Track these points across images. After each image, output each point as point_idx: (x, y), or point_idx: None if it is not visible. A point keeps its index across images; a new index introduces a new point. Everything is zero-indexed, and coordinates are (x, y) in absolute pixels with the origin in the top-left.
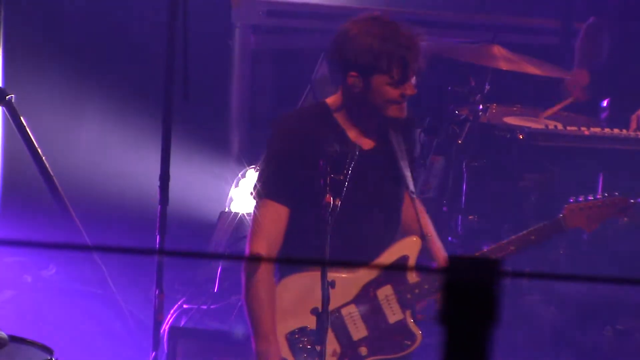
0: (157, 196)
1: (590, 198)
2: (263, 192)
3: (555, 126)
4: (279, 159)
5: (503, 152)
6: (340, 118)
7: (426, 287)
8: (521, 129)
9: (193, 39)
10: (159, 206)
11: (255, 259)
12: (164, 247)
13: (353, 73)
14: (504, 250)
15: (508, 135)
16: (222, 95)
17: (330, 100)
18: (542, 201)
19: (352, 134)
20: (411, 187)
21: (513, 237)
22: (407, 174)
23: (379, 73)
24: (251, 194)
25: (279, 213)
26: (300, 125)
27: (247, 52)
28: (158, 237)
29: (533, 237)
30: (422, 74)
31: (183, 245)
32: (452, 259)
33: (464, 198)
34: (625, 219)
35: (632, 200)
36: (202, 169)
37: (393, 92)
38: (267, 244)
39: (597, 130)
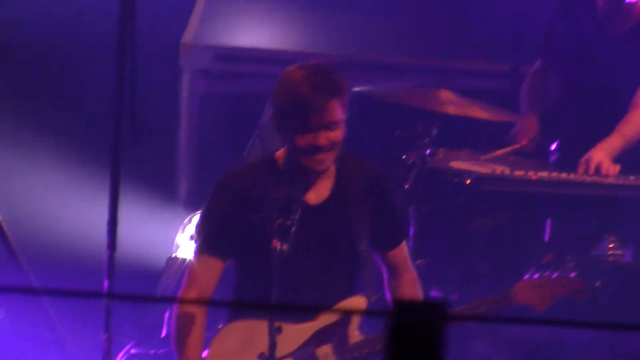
0: (105, 241)
1: (545, 275)
2: (199, 245)
3: (503, 170)
4: (218, 215)
5: (451, 197)
6: (287, 171)
7: (366, 351)
8: (469, 173)
9: (141, 83)
10: (107, 251)
11: (186, 304)
12: (112, 291)
13: (275, 122)
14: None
15: (456, 180)
16: (171, 140)
17: (280, 152)
18: (491, 246)
19: (300, 187)
20: (363, 245)
21: (462, 307)
22: (364, 228)
23: (287, 121)
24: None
25: (213, 267)
26: (243, 184)
27: (195, 96)
28: (106, 281)
29: (482, 309)
30: (347, 121)
31: (131, 289)
32: (398, 303)
33: (412, 242)
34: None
35: (591, 283)
36: (150, 214)
37: (301, 141)
38: (197, 294)
39: (545, 174)
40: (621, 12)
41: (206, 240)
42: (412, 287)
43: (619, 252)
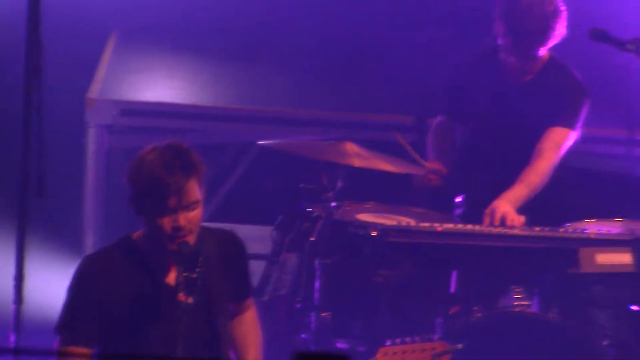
0: (12, 295)
1: (407, 340)
2: (65, 338)
3: (409, 222)
4: (81, 306)
5: (356, 249)
6: (147, 253)
7: None
8: (374, 225)
9: (47, 138)
10: (14, 305)
11: None
12: (19, 346)
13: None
14: None
15: (361, 232)
16: (78, 194)
17: (137, 234)
18: (397, 297)
19: (160, 269)
20: (218, 325)
21: None
22: (223, 307)
23: (145, 204)
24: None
25: (84, 355)
26: (102, 270)
27: (101, 152)
28: (12, 335)
29: None
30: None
31: (38, 344)
32: (302, 355)
33: (317, 295)
34: None
35: (456, 345)
36: (57, 268)
37: (160, 223)
38: None
39: (450, 226)
40: (524, 64)
41: (73, 332)
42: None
43: (526, 302)
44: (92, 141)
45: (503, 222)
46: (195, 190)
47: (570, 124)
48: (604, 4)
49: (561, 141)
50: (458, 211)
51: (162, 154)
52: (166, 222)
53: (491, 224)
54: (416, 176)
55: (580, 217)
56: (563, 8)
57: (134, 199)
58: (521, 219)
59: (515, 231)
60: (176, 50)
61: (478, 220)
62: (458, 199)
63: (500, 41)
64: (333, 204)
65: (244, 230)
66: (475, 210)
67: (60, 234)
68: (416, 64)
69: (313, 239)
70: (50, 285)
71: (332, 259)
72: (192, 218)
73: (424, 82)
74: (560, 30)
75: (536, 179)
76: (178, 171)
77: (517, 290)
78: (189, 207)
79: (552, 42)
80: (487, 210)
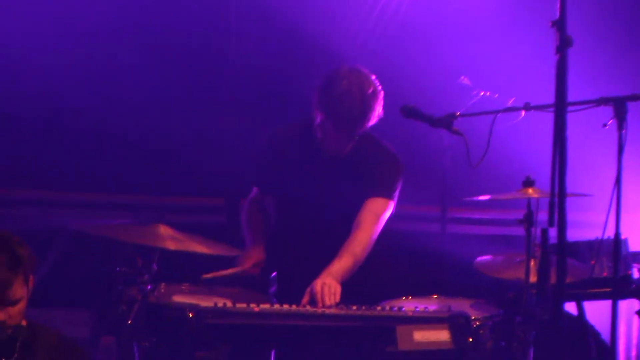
0: None
1: None
2: None
3: (225, 303)
4: None
5: (173, 331)
6: None
7: None
8: (190, 307)
9: None
10: None
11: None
12: None
13: None
14: None
15: (178, 314)
16: None
17: None
18: None
19: None
20: None
21: None
22: None
23: None
24: None
25: None
26: None
27: None
28: None
29: None
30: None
31: None
32: None
33: None
34: None
35: None
36: None
37: None
38: None
39: (267, 306)
40: (342, 143)
41: None
42: None
43: None
44: None
45: (323, 297)
46: (20, 287)
47: (388, 194)
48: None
49: (380, 211)
50: (273, 288)
51: None
52: None
53: (310, 303)
54: (239, 262)
55: (396, 295)
56: (380, 88)
57: None
58: (338, 287)
59: (332, 310)
60: None
61: (292, 297)
62: (272, 275)
63: (319, 123)
64: (149, 286)
65: (61, 315)
66: (289, 287)
67: None
68: (220, 144)
69: (130, 321)
70: None
71: (149, 342)
72: (13, 314)
73: (232, 163)
74: (378, 110)
75: (358, 250)
76: (2, 267)
77: None
78: (11, 303)
79: (372, 122)
80: (308, 289)
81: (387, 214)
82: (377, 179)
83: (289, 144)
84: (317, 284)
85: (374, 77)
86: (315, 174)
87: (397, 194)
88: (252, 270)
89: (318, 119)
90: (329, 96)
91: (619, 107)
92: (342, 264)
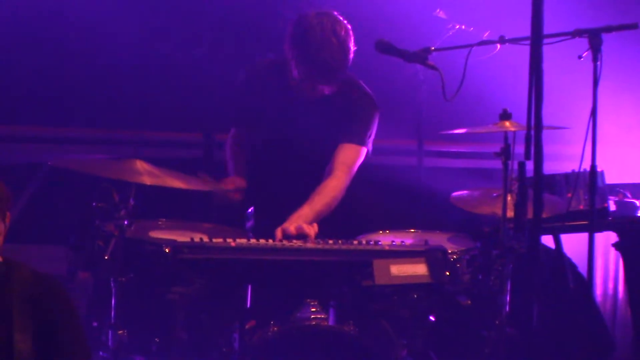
0: None
1: None
2: None
3: (201, 238)
4: None
5: (150, 266)
6: None
7: None
8: (167, 242)
9: None
10: None
11: None
12: None
13: None
14: None
15: (154, 249)
16: None
17: None
18: (192, 313)
19: None
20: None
21: None
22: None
23: None
24: None
25: None
26: None
27: None
28: None
29: None
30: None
31: None
32: None
33: (113, 313)
34: None
35: None
36: None
37: None
38: None
39: (244, 241)
40: (314, 86)
41: None
42: None
43: (322, 316)
44: None
45: (299, 233)
46: None
47: (361, 141)
48: (393, 16)
49: (352, 159)
50: (249, 223)
51: None
52: None
53: (283, 239)
54: (216, 193)
55: (373, 229)
56: (349, 26)
57: None
58: (315, 227)
59: (309, 245)
60: None
61: (267, 232)
62: (249, 210)
63: (296, 70)
64: (125, 222)
65: (37, 251)
66: (265, 222)
67: None
68: (198, 79)
69: (107, 257)
70: None
71: (126, 277)
72: None
73: (208, 98)
74: (352, 49)
75: (325, 201)
76: None
77: (313, 303)
78: None
79: (349, 63)
80: (279, 228)
81: (359, 161)
82: (351, 122)
83: (264, 83)
84: (291, 226)
85: (340, 16)
86: (292, 113)
87: (371, 139)
88: (233, 194)
89: (295, 72)
90: (305, 51)
91: (594, 39)
92: (312, 208)
